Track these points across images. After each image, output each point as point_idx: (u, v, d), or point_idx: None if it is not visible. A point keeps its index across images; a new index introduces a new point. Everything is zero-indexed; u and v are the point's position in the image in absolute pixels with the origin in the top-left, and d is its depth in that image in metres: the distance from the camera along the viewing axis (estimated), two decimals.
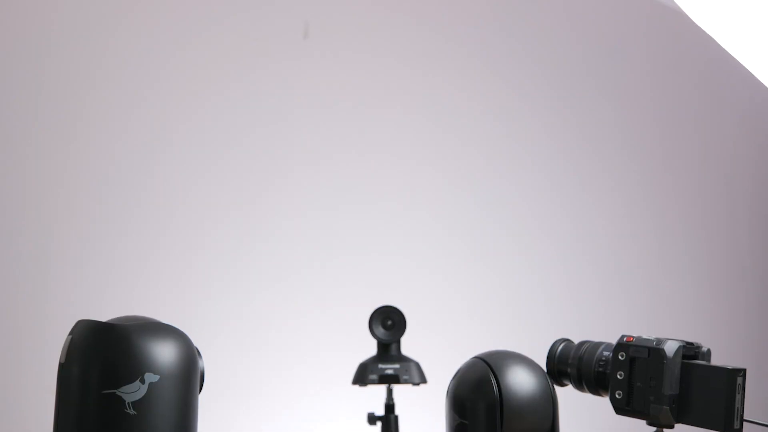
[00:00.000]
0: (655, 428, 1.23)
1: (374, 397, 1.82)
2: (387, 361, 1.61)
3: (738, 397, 1.14)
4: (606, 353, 1.25)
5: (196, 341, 1.27)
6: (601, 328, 1.57)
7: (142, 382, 1.13)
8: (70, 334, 1.17)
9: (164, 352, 1.16)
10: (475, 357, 1.30)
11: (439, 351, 1.95)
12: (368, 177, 2.28)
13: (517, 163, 2.30)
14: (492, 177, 2.29)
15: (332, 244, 2.24)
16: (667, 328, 1.97)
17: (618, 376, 1.20)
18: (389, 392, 1.65)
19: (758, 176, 2.30)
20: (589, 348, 1.28)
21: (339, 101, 2.32)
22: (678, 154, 2.31)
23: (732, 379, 1.13)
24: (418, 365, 1.62)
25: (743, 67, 2.25)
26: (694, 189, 2.28)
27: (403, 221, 2.26)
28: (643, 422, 1.23)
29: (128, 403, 1.12)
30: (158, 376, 1.14)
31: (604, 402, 1.27)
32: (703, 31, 2.06)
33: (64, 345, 1.17)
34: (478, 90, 2.32)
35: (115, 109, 2.27)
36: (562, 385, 1.33)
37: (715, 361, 1.21)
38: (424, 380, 1.62)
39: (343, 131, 2.30)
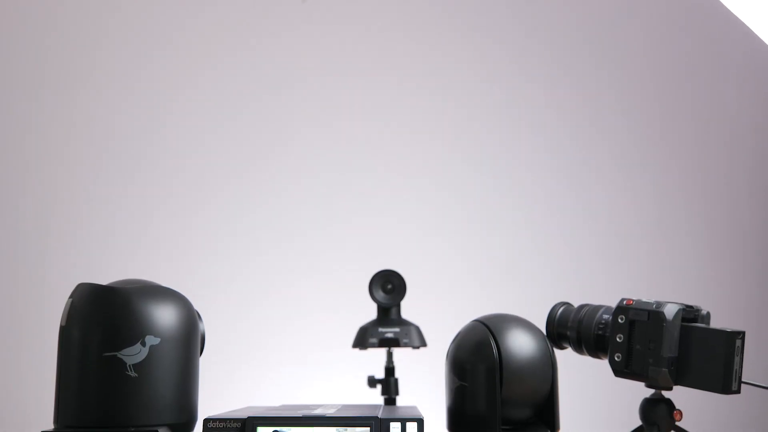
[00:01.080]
0: (653, 390, 1.24)
1: (374, 360, 1.83)
2: (387, 324, 1.61)
3: (737, 359, 1.14)
4: (606, 316, 1.25)
5: (197, 304, 1.27)
6: (600, 292, 1.57)
7: (143, 344, 1.14)
8: (70, 297, 1.17)
9: (165, 315, 1.16)
10: (475, 320, 1.30)
11: (439, 315, 1.96)
12: (369, 142, 2.27)
13: (516, 129, 2.28)
14: (492, 142, 2.28)
15: (332, 209, 2.24)
16: (667, 292, 1.98)
17: (617, 339, 1.21)
18: (389, 355, 1.65)
19: (759, 139, 2.29)
20: (589, 311, 1.28)
21: (339, 66, 2.30)
22: (678, 118, 2.29)
23: (731, 342, 1.13)
24: (418, 329, 1.62)
25: (745, 26, 2.23)
26: (694, 153, 2.27)
27: (404, 186, 2.25)
28: (642, 384, 1.24)
29: (129, 366, 1.12)
30: (159, 339, 1.14)
31: (603, 365, 1.28)
32: None
33: (65, 308, 1.17)
34: (478, 56, 2.30)
35: (116, 73, 2.26)
36: (562, 348, 1.33)
37: (715, 324, 1.21)
38: (423, 343, 1.62)
39: (344, 97, 2.29)
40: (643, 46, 2.32)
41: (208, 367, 1.44)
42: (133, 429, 1.11)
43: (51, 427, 1.15)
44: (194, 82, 2.27)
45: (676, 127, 2.29)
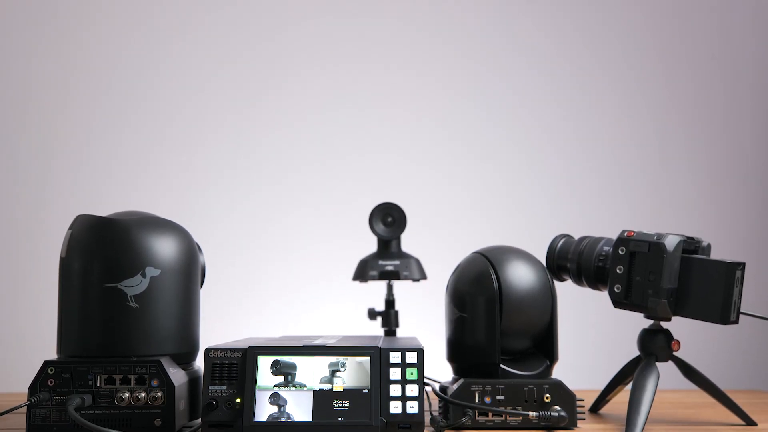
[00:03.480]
0: (652, 321, 1.25)
1: (374, 292, 1.84)
2: (387, 257, 1.61)
3: (736, 290, 1.14)
4: (606, 248, 1.25)
5: (197, 237, 1.27)
6: (601, 224, 1.57)
7: (144, 276, 1.14)
8: (69, 228, 1.17)
9: (165, 247, 1.16)
10: (475, 252, 1.30)
11: (439, 247, 1.96)
12: (369, 77, 2.24)
13: (515, 63, 2.25)
14: (491, 76, 2.25)
15: (333, 143, 2.22)
16: (669, 225, 1.98)
17: (617, 271, 1.21)
18: (389, 288, 1.66)
19: (762, 71, 2.26)
20: (590, 243, 1.28)
21: (337, 5, 2.26)
22: (680, 49, 2.26)
23: (731, 272, 1.14)
24: (418, 261, 1.63)
25: None
26: (696, 84, 2.24)
27: (404, 120, 2.23)
28: (641, 316, 1.25)
29: (130, 297, 1.13)
30: (159, 270, 1.15)
31: (602, 296, 1.28)
32: None
33: (65, 239, 1.17)
34: None
35: (118, 10, 2.22)
36: (562, 279, 1.33)
37: (715, 256, 1.21)
38: (424, 276, 1.63)
39: (343, 33, 2.25)
40: None
41: (208, 299, 1.45)
42: (135, 359, 1.12)
43: (54, 357, 1.16)
44: (195, 19, 2.23)
45: (679, 58, 2.26)
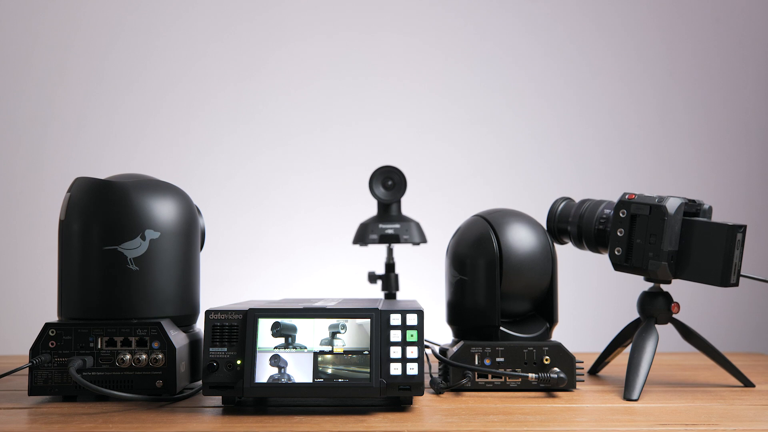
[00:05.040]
0: (652, 284, 1.25)
1: (375, 256, 1.84)
2: (387, 221, 1.61)
3: (737, 252, 1.14)
4: (607, 211, 1.25)
5: (197, 201, 1.26)
6: (601, 189, 1.57)
7: (143, 238, 1.14)
8: (68, 191, 1.17)
9: (164, 209, 1.16)
10: (476, 215, 1.29)
11: (440, 211, 1.96)
12: (369, 43, 2.22)
13: (515, 29, 2.23)
14: (490, 43, 2.23)
15: (333, 108, 2.21)
16: (670, 188, 1.98)
17: (618, 233, 1.21)
18: (389, 251, 1.66)
19: (766, 34, 2.23)
20: (591, 206, 1.28)
21: None
22: (682, 10, 2.23)
23: (732, 235, 1.13)
24: (418, 225, 1.62)
25: None
26: (696, 45, 2.22)
27: (404, 86, 2.22)
28: (641, 279, 1.25)
29: (130, 259, 1.13)
30: (159, 233, 1.14)
31: (602, 259, 1.28)
32: None
33: (63, 202, 1.16)
34: None
35: None
36: (562, 243, 1.33)
37: (717, 218, 1.21)
38: (424, 240, 1.62)
39: (342, 1, 2.22)
40: None
41: (209, 262, 1.45)
42: (135, 321, 1.12)
43: (55, 319, 1.17)
44: None
45: (680, 20, 2.23)
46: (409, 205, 1.71)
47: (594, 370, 1.39)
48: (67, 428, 0.95)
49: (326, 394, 1.01)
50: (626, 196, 1.20)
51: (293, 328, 1.03)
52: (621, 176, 2.18)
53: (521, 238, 1.24)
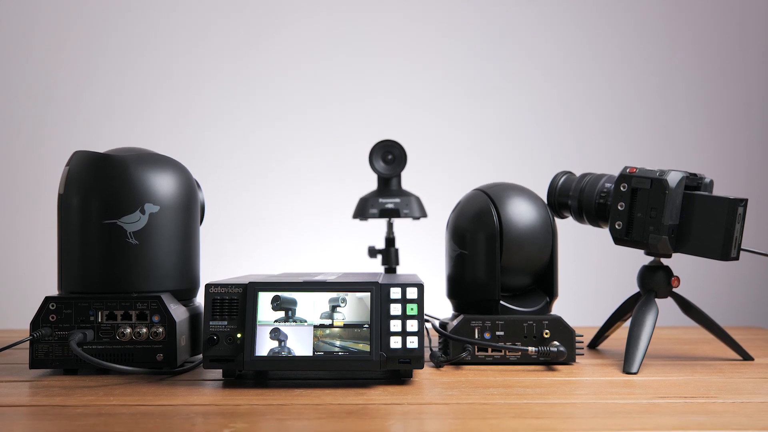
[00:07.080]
0: (653, 258, 1.25)
1: (375, 230, 1.83)
2: (387, 195, 1.60)
3: (738, 226, 1.14)
4: (608, 185, 1.24)
5: (197, 176, 1.26)
6: (602, 163, 1.56)
7: (143, 212, 1.13)
8: (67, 165, 1.16)
9: (163, 183, 1.15)
10: (476, 189, 1.29)
11: (440, 185, 1.96)
12: (368, 19, 2.20)
13: (514, 4, 2.21)
14: (491, 18, 2.21)
15: (334, 84, 2.19)
16: (669, 164, 1.97)
17: (619, 207, 1.20)
18: (389, 226, 1.65)
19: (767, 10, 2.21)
20: (591, 180, 1.27)
21: None
22: None
23: (733, 209, 1.13)
24: (418, 199, 1.62)
25: None
26: (698, 21, 2.20)
27: (403, 61, 2.20)
28: (641, 253, 1.25)
29: (129, 233, 1.13)
30: (158, 207, 1.14)
31: (603, 233, 1.28)
32: None
33: (62, 176, 1.16)
34: None
35: None
36: (563, 217, 1.33)
37: (718, 192, 1.20)
38: (424, 214, 1.62)
39: None
40: None
41: (209, 237, 1.45)
42: (135, 294, 1.12)
43: (55, 293, 1.17)
44: None
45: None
46: (409, 180, 1.70)
47: (594, 344, 1.39)
48: (68, 401, 0.95)
49: (326, 368, 1.01)
50: (627, 170, 1.20)
51: (293, 302, 1.03)
52: (622, 150, 2.17)
53: (521, 212, 1.23)
